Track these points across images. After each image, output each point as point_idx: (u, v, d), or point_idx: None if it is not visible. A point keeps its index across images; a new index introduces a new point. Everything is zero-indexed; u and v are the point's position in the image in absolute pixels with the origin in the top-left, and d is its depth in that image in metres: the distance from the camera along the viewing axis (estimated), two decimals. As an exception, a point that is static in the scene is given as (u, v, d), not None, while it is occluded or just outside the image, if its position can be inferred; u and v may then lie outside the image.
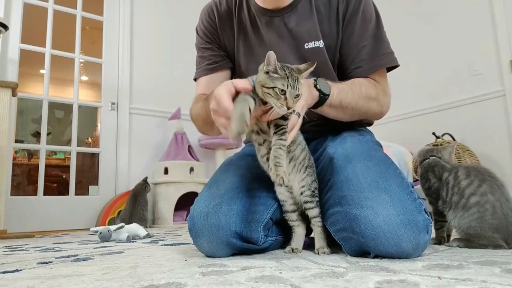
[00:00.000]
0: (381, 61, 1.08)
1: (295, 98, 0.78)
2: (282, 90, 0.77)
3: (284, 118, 0.83)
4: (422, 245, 0.81)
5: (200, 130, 1.18)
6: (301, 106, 0.87)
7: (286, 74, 0.78)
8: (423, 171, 1.16)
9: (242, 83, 0.81)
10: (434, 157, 1.15)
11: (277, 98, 0.77)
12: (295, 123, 0.85)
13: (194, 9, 3.54)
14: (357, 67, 1.08)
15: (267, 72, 0.79)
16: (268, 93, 0.78)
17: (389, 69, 1.11)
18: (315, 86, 0.95)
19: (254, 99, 0.79)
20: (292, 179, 0.94)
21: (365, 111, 1.07)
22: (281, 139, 0.82)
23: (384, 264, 0.73)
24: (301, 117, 0.88)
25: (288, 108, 0.78)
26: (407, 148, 3.16)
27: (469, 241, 0.98)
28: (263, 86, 0.79)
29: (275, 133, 0.83)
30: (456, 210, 1.01)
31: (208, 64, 1.20)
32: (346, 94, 1.00)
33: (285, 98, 0.77)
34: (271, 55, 0.78)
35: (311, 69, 0.84)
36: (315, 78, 0.98)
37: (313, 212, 0.94)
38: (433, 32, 3.43)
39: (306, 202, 0.94)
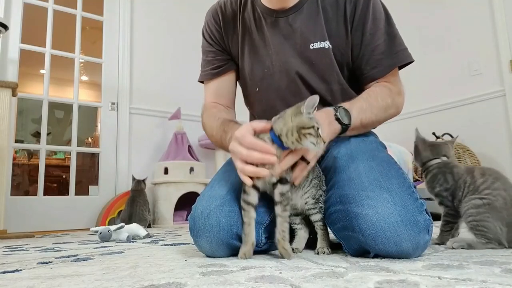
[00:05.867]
0: (397, 58, 1.06)
1: None
2: (319, 128, 0.79)
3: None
4: (422, 245, 0.81)
5: (214, 144, 1.21)
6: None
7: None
8: (438, 172, 1.13)
9: (260, 125, 0.85)
10: (443, 157, 1.15)
11: (316, 136, 0.79)
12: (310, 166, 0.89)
13: (194, 9, 3.56)
14: (373, 67, 1.06)
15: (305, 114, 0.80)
16: (309, 133, 0.79)
17: (402, 66, 1.09)
18: (336, 118, 0.95)
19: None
20: (295, 197, 0.95)
21: (383, 119, 1.08)
22: (285, 211, 0.86)
23: (384, 264, 0.73)
24: (314, 162, 0.91)
25: (324, 142, 0.80)
26: (407, 148, 3.16)
27: (476, 229, 0.97)
28: (303, 128, 0.79)
29: (280, 202, 0.87)
30: (468, 199, 1.02)
31: (213, 69, 1.21)
32: (365, 113, 0.99)
33: (319, 135, 0.79)
34: (316, 99, 0.79)
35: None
36: (335, 107, 0.97)
37: (316, 217, 0.96)
38: (433, 32, 3.43)
39: (309, 209, 0.96)
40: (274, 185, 0.87)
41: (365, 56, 1.07)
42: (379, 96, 1.03)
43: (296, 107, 0.81)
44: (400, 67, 1.09)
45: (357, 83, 1.11)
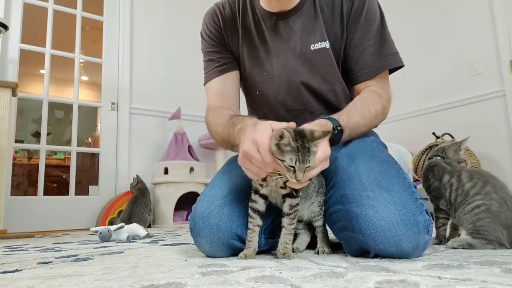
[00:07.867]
0: (386, 62, 1.05)
1: (306, 168, 0.76)
2: (291, 166, 0.75)
3: None
4: (422, 246, 0.81)
5: (219, 144, 1.16)
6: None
7: (298, 147, 0.74)
8: (424, 170, 1.20)
9: (280, 127, 0.80)
10: (437, 157, 1.19)
11: (287, 171, 0.76)
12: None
13: (194, 9, 3.55)
14: (361, 68, 1.06)
15: (277, 144, 0.76)
16: (278, 163, 0.77)
17: (392, 70, 1.09)
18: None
19: None
20: (302, 208, 0.95)
21: (372, 128, 1.08)
22: (292, 224, 0.87)
23: (384, 264, 0.73)
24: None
25: (298, 181, 0.76)
26: (407, 148, 3.15)
27: (477, 233, 0.97)
28: (274, 155, 0.77)
29: (288, 214, 0.87)
30: (462, 207, 1.02)
31: (218, 66, 1.17)
32: (356, 129, 0.99)
33: (294, 172, 0.75)
34: (286, 133, 0.74)
35: (326, 138, 0.79)
36: (333, 126, 0.93)
37: (319, 223, 0.97)
38: (433, 32, 3.43)
39: (314, 216, 0.97)
40: (283, 197, 0.88)
41: (355, 56, 1.07)
42: (372, 105, 1.02)
43: (276, 131, 0.77)
44: (391, 71, 1.09)
45: (349, 82, 1.11)
